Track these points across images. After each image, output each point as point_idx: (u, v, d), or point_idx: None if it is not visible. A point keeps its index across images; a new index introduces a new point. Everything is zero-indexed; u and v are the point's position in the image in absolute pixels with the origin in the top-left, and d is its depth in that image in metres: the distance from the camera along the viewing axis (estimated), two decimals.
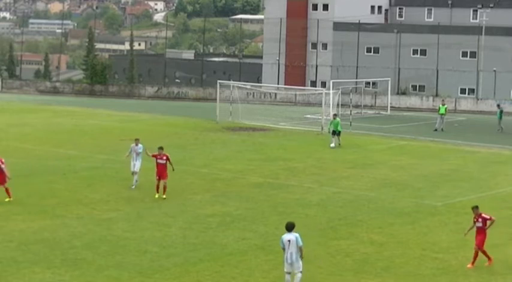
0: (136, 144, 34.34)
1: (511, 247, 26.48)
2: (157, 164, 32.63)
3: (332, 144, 48.02)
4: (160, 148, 32.82)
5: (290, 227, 20.67)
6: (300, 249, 20.56)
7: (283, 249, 20.75)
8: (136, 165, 34.14)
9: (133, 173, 34.22)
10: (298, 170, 40.06)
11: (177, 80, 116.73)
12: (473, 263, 23.97)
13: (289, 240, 20.50)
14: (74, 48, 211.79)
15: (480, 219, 24.22)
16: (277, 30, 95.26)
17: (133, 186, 34.06)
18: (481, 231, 24.19)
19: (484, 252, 24.16)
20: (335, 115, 51.04)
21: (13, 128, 54.19)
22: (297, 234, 20.58)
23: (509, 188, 36.61)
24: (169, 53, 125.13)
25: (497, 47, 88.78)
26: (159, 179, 32.51)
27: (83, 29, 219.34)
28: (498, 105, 61.87)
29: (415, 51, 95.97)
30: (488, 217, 24.23)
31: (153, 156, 32.96)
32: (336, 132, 48.75)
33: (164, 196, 32.31)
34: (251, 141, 50.45)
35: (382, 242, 26.56)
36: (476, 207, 24.57)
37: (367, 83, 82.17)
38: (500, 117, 58.85)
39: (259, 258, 24.37)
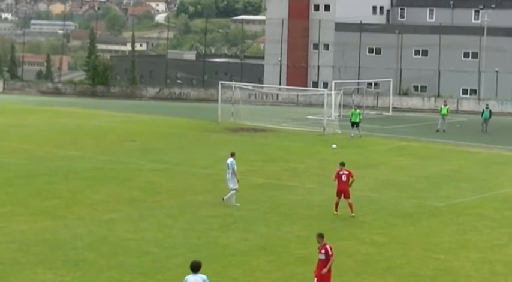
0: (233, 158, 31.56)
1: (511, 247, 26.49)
2: (340, 180, 30.26)
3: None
4: (342, 164, 30.67)
5: (195, 268, 17.39)
6: None
7: None
8: (234, 181, 31.37)
9: (236, 190, 31.49)
10: (300, 170, 40.05)
11: (178, 81, 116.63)
12: None
13: None
14: (76, 49, 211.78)
15: (323, 251, 20.03)
16: (278, 30, 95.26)
17: (226, 201, 31.36)
18: (323, 265, 19.99)
19: None
20: (356, 106, 57.08)
21: (15, 129, 54.19)
22: (205, 277, 17.33)
23: (510, 189, 36.59)
24: (171, 54, 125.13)
25: (499, 47, 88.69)
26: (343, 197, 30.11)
27: (85, 30, 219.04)
28: (487, 105, 61.78)
29: (416, 52, 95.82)
30: (330, 253, 19.95)
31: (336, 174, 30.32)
32: (355, 124, 53.30)
33: (353, 214, 30.04)
34: (253, 142, 50.44)
35: (384, 243, 26.56)
36: (321, 236, 20.34)
37: (369, 84, 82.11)
38: (489, 117, 58.95)
39: (260, 259, 24.37)
